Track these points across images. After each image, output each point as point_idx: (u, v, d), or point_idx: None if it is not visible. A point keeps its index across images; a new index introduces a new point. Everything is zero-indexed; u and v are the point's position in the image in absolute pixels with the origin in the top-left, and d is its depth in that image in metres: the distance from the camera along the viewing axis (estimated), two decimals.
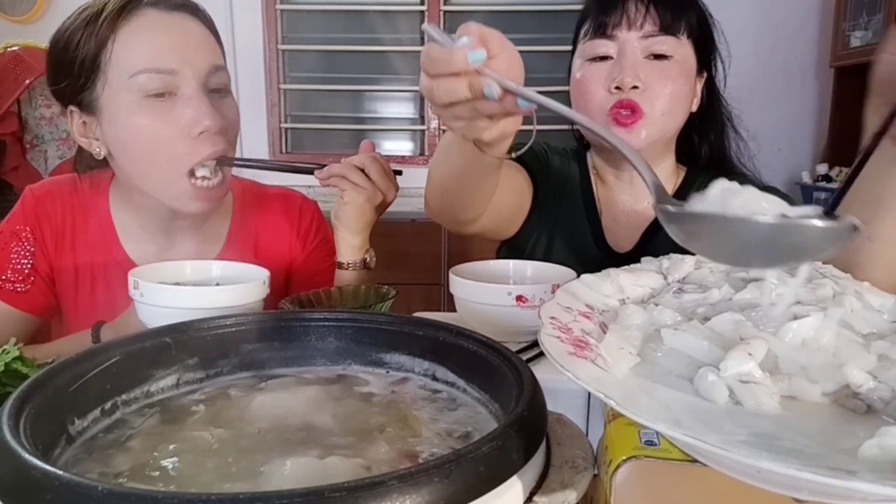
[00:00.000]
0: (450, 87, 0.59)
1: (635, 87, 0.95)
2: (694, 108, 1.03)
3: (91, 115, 0.89)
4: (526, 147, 0.79)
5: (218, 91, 0.91)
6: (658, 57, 0.97)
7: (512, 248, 1.12)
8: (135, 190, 0.93)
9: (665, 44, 0.96)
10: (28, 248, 0.96)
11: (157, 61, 0.85)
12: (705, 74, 1.04)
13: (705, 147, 1.09)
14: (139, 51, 0.86)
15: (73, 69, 0.87)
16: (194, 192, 0.89)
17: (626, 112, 0.95)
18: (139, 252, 0.98)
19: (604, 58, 0.98)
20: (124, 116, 0.87)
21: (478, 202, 0.90)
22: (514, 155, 0.77)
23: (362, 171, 0.94)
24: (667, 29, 0.96)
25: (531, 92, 0.57)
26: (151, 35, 0.86)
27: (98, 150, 0.91)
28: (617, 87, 0.96)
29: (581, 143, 1.15)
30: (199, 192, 0.89)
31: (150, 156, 0.87)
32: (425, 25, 0.64)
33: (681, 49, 0.98)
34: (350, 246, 0.98)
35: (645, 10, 0.96)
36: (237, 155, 0.97)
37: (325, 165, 0.96)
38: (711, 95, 1.06)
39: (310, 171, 0.96)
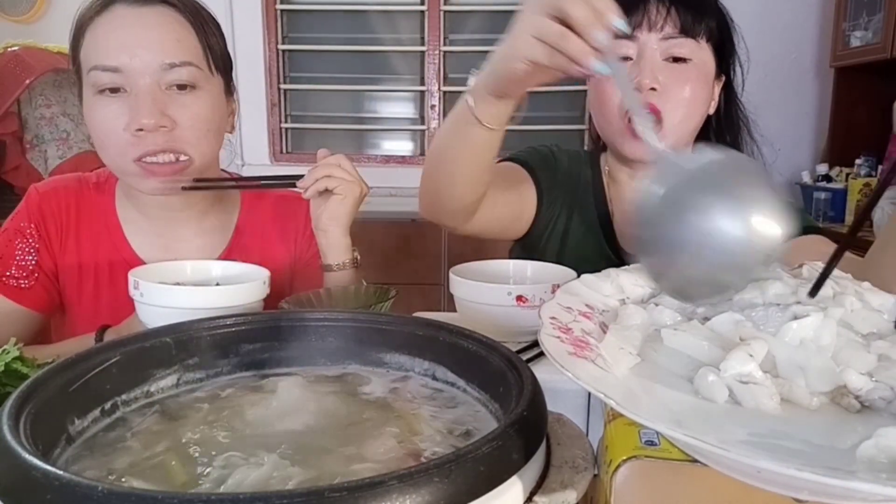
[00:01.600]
0: (580, 6, 0.63)
1: (653, 89, 0.95)
2: (711, 112, 1.04)
3: (81, 103, 0.94)
4: (508, 120, 0.82)
5: (182, 87, 0.90)
6: (677, 60, 0.97)
7: (524, 246, 1.13)
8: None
9: (685, 47, 0.96)
10: (33, 244, 0.97)
11: (106, 58, 0.88)
12: (723, 78, 1.04)
13: None
14: (95, 47, 0.89)
15: (70, 57, 0.93)
16: (144, 171, 0.90)
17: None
18: (144, 246, 0.99)
19: (623, 59, 0.98)
20: (85, 107, 0.92)
21: (471, 188, 0.89)
22: (493, 128, 0.80)
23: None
24: (687, 32, 0.96)
25: (621, 66, 0.66)
26: (109, 32, 0.89)
27: (90, 138, 0.96)
28: (635, 89, 0.96)
29: (597, 145, 1.15)
30: (149, 170, 0.90)
31: (104, 145, 0.91)
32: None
33: (700, 52, 0.97)
34: (342, 245, 0.97)
35: (666, 13, 0.96)
36: (238, 151, 0.97)
37: (296, 176, 0.94)
38: (729, 99, 1.06)
39: (292, 183, 0.95)
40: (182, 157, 0.91)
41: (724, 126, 1.08)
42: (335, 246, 0.97)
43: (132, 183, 0.93)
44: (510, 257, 1.15)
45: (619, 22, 0.63)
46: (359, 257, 1.00)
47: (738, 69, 1.06)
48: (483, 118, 0.79)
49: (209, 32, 0.94)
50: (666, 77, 0.96)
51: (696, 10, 0.97)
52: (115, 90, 0.88)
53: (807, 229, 0.96)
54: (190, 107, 0.91)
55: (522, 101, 0.80)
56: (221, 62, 0.96)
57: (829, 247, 0.91)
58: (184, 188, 0.92)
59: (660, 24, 0.96)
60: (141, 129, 0.87)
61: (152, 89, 0.88)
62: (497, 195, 0.97)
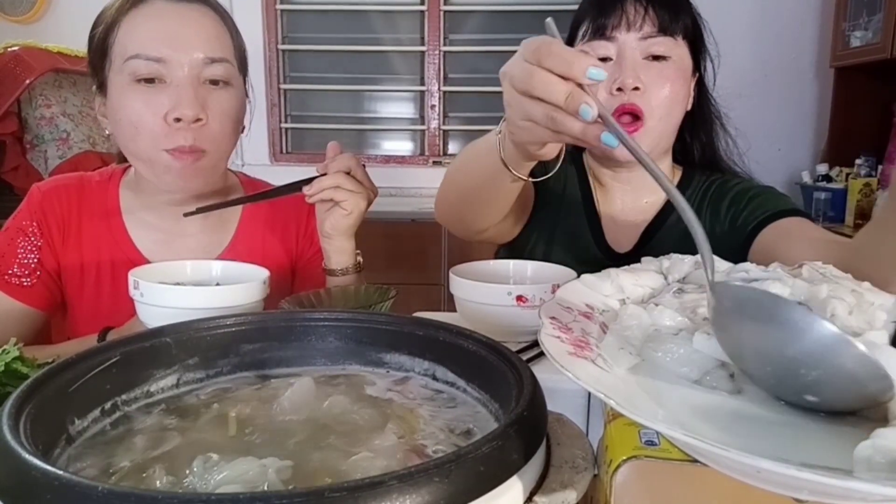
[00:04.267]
0: (550, 84, 0.58)
1: (636, 89, 0.95)
2: (689, 108, 1.04)
3: (102, 94, 0.95)
4: (550, 174, 0.80)
5: (215, 83, 0.92)
6: (656, 58, 0.97)
7: (511, 250, 1.12)
8: (141, 173, 0.97)
9: (663, 45, 0.97)
10: (35, 242, 0.97)
11: (148, 48, 0.89)
12: (697, 74, 1.05)
13: (697, 146, 1.10)
14: (135, 37, 0.90)
15: (92, 47, 0.94)
16: (172, 163, 0.91)
17: (628, 119, 0.96)
18: (147, 242, 1.00)
19: (603, 59, 0.98)
20: (117, 96, 0.91)
21: (491, 216, 0.93)
22: (532, 179, 0.80)
23: (347, 173, 0.93)
24: (665, 30, 0.97)
25: (622, 130, 0.55)
26: (149, 23, 0.90)
27: (106, 127, 0.96)
28: (618, 89, 0.96)
29: (574, 146, 1.15)
30: (175, 163, 0.91)
31: (133, 134, 0.91)
32: (549, 20, 0.63)
33: (677, 50, 0.98)
34: (345, 251, 0.98)
35: (644, 12, 0.96)
36: (237, 150, 0.98)
37: (306, 180, 0.93)
38: (701, 95, 1.07)
39: (297, 189, 0.94)
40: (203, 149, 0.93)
41: (698, 121, 1.08)
42: (338, 251, 0.97)
43: (155, 174, 0.94)
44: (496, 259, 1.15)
45: (594, 73, 0.57)
46: (361, 261, 1.00)
47: (708, 64, 1.07)
48: (522, 174, 0.78)
49: (238, 34, 0.98)
50: (647, 76, 0.96)
51: (673, 8, 0.97)
52: (151, 80, 0.89)
53: (789, 211, 0.96)
54: (222, 103, 0.93)
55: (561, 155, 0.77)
56: (244, 64, 1.00)
57: (816, 230, 0.91)
58: (185, 215, 0.92)
59: (638, 23, 0.96)
60: (179, 119, 0.89)
61: (192, 82, 0.90)
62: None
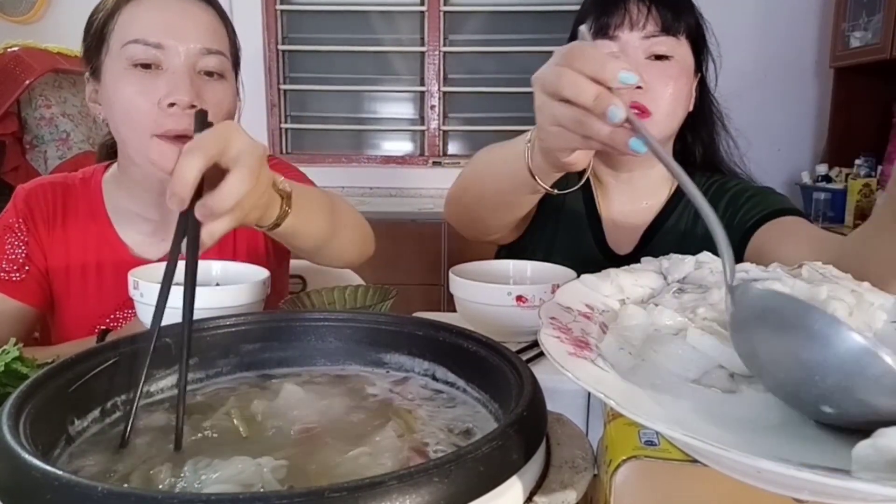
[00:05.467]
0: (580, 85, 0.58)
1: (639, 88, 0.95)
2: (690, 108, 1.04)
3: (97, 80, 0.96)
4: (577, 187, 0.80)
5: (210, 74, 0.94)
6: (659, 57, 0.97)
7: (512, 250, 1.12)
8: (130, 161, 0.96)
9: (666, 44, 0.97)
10: (22, 238, 0.98)
11: (147, 34, 0.90)
12: (699, 74, 1.05)
13: (698, 146, 1.10)
14: (135, 24, 0.92)
15: (89, 34, 0.95)
16: (159, 144, 0.90)
17: (635, 112, 0.96)
18: (133, 232, 1.01)
19: None
20: (112, 81, 0.92)
21: (505, 222, 0.93)
22: (557, 192, 0.80)
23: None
24: (667, 29, 0.96)
25: (651, 135, 0.55)
26: (150, 13, 0.92)
27: (100, 115, 0.97)
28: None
29: None
30: (164, 143, 0.90)
31: (126, 118, 0.92)
32: (582, 27, 0.63)
33: (680, 49, 0.98)
34: (271, 204, 0.71)
35: (647, 11, 0.96)
36: None
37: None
38: (703, 95, 1.07)
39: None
40: None
41: (699, 122, 1.08)
42: (263, 208, 0.70)
43: (146, 155, 0.92)
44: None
45: (624, 76, 0.56)
46: (287, 189, 0.74)
47: (710, 64, 1.07)
48: (548, 184, 0.77)
49: (234, 33, 1.00)
50: (650, 75, 0.96)
51: (675, 8, 0.97)
52: (147, 66, 0.90)
53: (786, 211, 0.96)
54: (216, 94, 0.94)
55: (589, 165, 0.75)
56: (237, 62, 1.02)
57: (812, 229, 0.92)
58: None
59: (641, 22, 0.96)
60: (174, 105, 0.89)
61: (188, 70, 0.91)
62: None
